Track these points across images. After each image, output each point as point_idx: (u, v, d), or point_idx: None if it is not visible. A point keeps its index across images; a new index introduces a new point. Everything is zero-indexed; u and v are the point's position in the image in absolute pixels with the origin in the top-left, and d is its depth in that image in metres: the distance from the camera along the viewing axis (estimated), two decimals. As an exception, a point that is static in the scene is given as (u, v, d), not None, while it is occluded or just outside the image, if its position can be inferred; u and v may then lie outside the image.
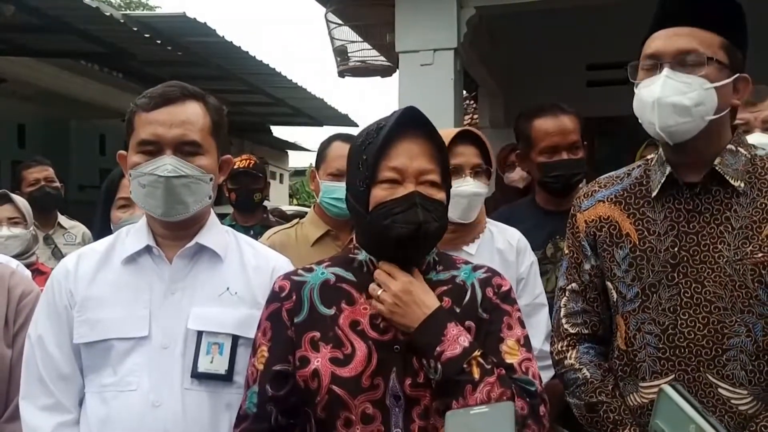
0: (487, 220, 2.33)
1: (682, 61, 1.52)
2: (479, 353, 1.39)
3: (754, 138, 2.13)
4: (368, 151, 1.45)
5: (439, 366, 1.38)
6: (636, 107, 1.59)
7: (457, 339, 1.39)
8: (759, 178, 1.59)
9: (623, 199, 1.69)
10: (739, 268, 1.54)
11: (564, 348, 1.74)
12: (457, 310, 1.47)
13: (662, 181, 1.61)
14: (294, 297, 1.50)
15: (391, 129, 1.43)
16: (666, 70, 1.51)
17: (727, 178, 1.56)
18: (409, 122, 1.45)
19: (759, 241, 1.53)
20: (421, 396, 1.41)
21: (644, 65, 1.57)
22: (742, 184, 1.57)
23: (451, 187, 1.53)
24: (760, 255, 1.53)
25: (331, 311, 1.48)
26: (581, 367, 1.70)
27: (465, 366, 1.37)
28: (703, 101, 1.51)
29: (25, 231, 3.25)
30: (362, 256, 1.51)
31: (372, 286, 1.46)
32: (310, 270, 1.55)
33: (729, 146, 1.59)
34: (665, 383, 1.47)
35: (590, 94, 5.98)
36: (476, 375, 1.37)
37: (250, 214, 4.00)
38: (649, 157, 1.75)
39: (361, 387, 1.40)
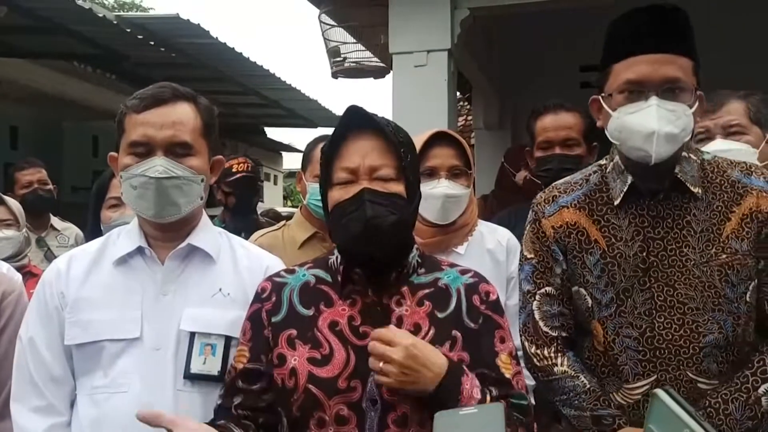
0: (479, 221, 2.33)
1: (668, 90, 1.54)
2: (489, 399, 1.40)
3: (717, 145, 2.13)
4: (324, 155, 1.49)
5: None
6: (618, 133, 1.60)
7: (471, 394, 1.38)
8: (711, 182, 1.65)
9: (586, 205, 1.71)
10: (706, 269, 1.59)
11: (552, 354, 1.69)
12: (440, 316, 1.46)
13: (624, 190, 1.65)
14: (274, 298, 1.52)
15: (337, 131, 1.48)
16: (655, 99, 1.53)
17: (688, 185, 1.62)
18: (357, 121, 1.47)
19: (721, 243, 1.60)
20: (398, 403, 1.39)
21: (625, 89, 1.57)
22: (700, 190, 1.62)
23: (419, 178, 1.55)
24: (723, 256, 1.59)
25: (310, 312, 1.49)
26: (577, 374, 1.66)
27: None
28: (686, 126, 1.56)
29: (17, 233, 3.23)
30: (333, 257, 1.54)
31: (371, 361, 1.38)
32: (292, 272, 1.57)
33: (683, 153, 1.63)
34: (659, 388, 1.48)
35: (584, 96, 5.98)
36: None
37: (245, 217, 3.94)
38: (602, 162, 1.77)
39: (337, 388, 1.40)
